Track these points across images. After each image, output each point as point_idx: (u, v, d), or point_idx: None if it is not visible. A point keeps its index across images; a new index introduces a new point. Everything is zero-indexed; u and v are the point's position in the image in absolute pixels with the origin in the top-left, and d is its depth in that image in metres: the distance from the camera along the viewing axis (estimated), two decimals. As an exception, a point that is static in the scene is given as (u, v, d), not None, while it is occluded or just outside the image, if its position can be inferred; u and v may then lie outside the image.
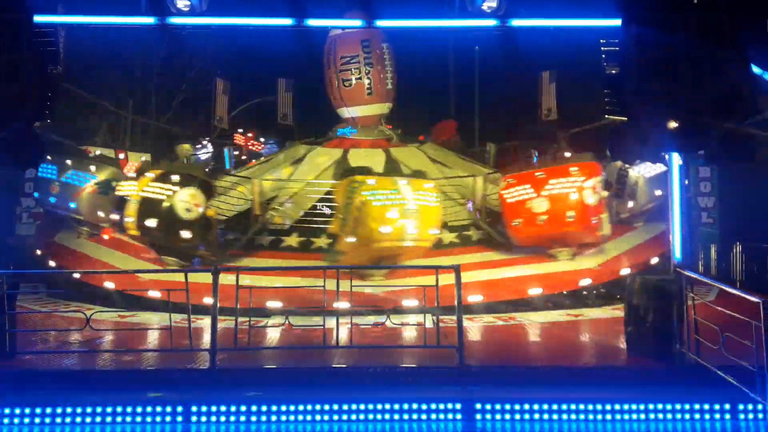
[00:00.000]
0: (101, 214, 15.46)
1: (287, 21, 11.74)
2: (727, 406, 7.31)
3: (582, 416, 7.33)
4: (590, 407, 7.35)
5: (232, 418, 7.30)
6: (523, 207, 13.77)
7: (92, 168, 15.80)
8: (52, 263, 14.64)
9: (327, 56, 17.54)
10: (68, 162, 15.69)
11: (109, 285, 12.84)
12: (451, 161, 17.48)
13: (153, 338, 10.21)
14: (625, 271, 13.12)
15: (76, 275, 13.53)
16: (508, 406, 7.34)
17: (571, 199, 13.44)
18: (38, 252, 15.47)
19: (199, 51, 17.79)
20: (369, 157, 16.23)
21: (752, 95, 8.93)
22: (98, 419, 7.30)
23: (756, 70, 9.58)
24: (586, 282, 13.35)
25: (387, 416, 7.33)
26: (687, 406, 7.34)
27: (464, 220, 15.43)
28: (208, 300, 8.55)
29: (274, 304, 10.97)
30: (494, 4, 11.54)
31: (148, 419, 7.31)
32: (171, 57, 19.60)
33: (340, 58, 17.33)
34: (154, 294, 11.37)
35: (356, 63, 17.14)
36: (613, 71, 11.17)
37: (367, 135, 17.75)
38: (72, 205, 15.63)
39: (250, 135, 21.03)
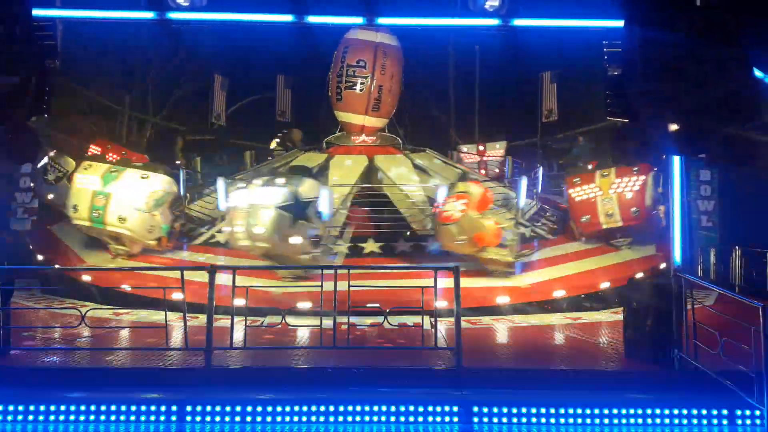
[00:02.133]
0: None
1: (287, 17, 11.68)
2: (725, 412, 7.27)
3: (579, 420, 7.30)
4: (588, 411, 7.32)
5: (227, 418, 7.24)
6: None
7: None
8: (41, 257, 14.50)
9: (336, 57, 16.49)
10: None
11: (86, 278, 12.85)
12: (437, 168, 16.36)
13: (148, 336, 10.12)
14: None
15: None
16: (505, 409, 7.30)
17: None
18: (32, 248, 15.33)
19: (198, 46, 17.65)
20: (353, 163, 15.87)
21: (754, 99, 8.91)
22: (92, 417, 7.27)
23: (758, 74, 9.53)
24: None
25: (384, 418, 7.28)
26: (685, 411, 7.31)
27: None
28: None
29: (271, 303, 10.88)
30: (496, 3, 11.49)
31: (143, 418, 7.27)
32: (170, 52, 19.45)
33: (348, 62, 16.11)
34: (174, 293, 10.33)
35: (363, 71, 15.98)
36: (615, 72, 11.11)
37: (358, 142, 16.84)
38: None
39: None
